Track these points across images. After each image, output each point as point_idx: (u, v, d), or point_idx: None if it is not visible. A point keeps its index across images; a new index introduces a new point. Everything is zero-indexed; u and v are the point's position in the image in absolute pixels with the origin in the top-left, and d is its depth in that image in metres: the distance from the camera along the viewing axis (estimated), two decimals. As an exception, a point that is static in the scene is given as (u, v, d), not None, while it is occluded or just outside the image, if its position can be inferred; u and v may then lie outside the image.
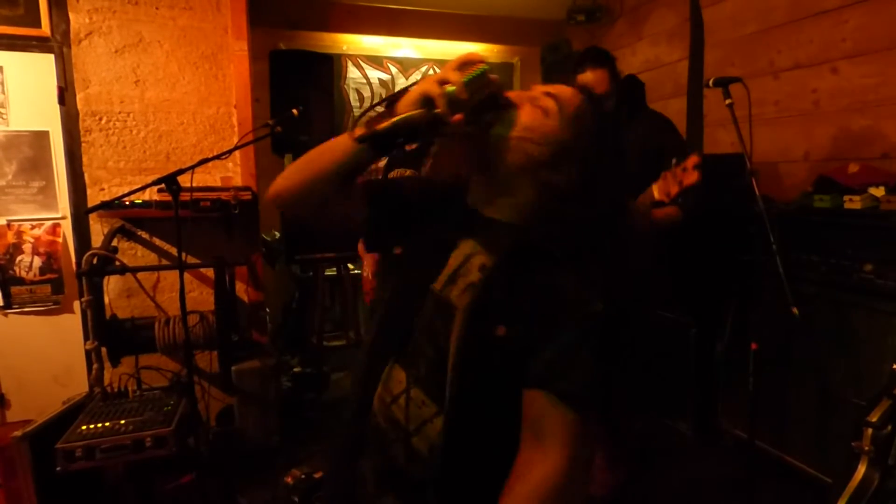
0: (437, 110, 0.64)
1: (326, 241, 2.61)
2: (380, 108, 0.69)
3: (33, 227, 2.29)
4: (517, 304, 0.66)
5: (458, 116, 0.64)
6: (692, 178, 1.37)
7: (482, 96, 0.66)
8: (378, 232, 0.80)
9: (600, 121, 0.72)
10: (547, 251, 0.68)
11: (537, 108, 0.69)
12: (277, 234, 2.92)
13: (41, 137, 2.27)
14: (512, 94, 0.70)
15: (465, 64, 0.66)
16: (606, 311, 0.65)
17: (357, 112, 3.44)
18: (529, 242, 0.69)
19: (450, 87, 0.64)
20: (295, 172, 0.73)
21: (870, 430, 1.27)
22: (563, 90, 0.71)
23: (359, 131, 0.67)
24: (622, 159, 0.78)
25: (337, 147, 0.70)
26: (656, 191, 1.45)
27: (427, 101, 0.65)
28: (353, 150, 0.68)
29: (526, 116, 0.68)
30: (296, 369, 2.87)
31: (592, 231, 0.71)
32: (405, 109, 0.65)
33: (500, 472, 0.65)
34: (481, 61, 0.66)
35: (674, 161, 1.42)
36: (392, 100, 0.68)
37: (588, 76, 1.74)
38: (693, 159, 1.36)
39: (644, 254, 1.73)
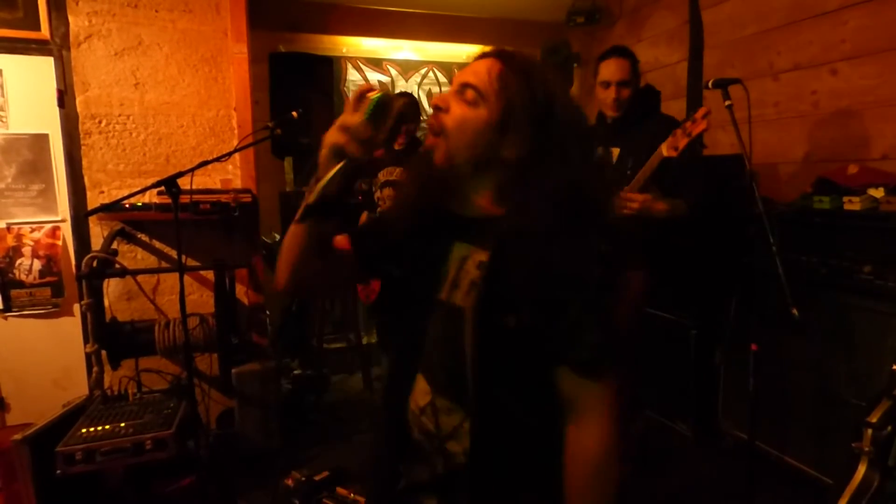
0: (352, 156, 0.67)
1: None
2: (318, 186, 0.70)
3: (33, 230, 2.29)
4: (518, 291, 0.66)
5: (378, 152, 0.66)
6: (700, 126, 1.39)
7: (392, 121, 0.67)
8: (373, 264, 0.82)
9: (528, 78, 0.68)
10: (532, 231, 0.66)
11: (462, 101, 0.69)
12: (277, 237, 2.92)
13: (41, 140, 2.26)
14: (436, 100, 0.71)
15: (357, 101, 0.68)
16: (603, 270, 0.66)
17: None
18: (513, 228, 0.67)
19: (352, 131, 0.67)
20: (280, 267, 0.76)
21: (870, 431, 1.27)
22: (477, 70, 0.70)
23: (299, 213, 0.70)
24: (575, 110, 0.72)
25: (295, 233, 0.72)
26: (665, 147, 1.48)
27: (338, 152, 0.67)
28: (307, 228, 0.71)
29: (456, 114, 0.69)
30: (296, 372, 2.86)
31: (573, 192, 0.67)
32: (324, 171, 0.68)
33: (532, 458, 0.69)
34: (371, 90, 0.68)
35: (682, 119, 1.45)
36: (314, 171, 0.71)
37: (610, 64, 1.82)
38: (702, 110, 1.38)
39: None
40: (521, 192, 0.68)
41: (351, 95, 0.70)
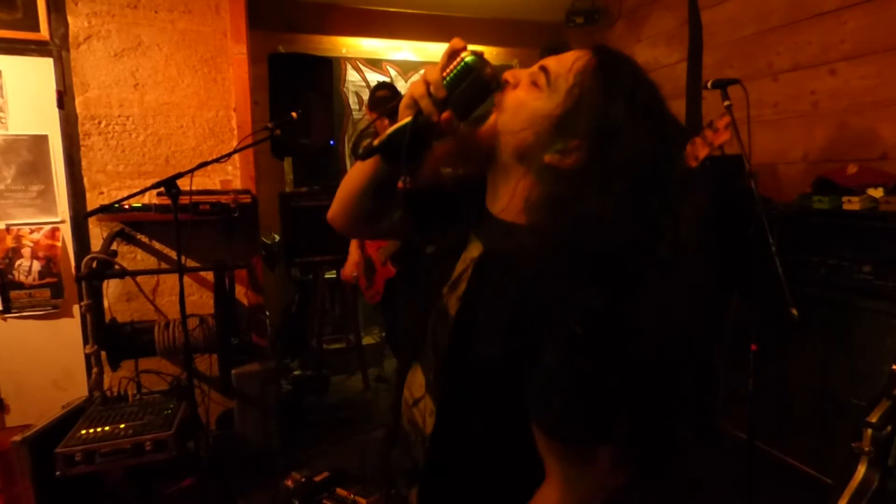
0: (424, 112, 0.60)
1: (326, 245, 2.60)
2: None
3: (32, 232, 2.29)
4: (494, 320, 0.57)
5: (445, 115, 0.59)
6: (723, 137, 1.34)
7: (471, 89, 0.60)
8: (421, 222, 0.76)
9: (613, 84, 0.57)
10: (529, 256, 0.56)
11: (532, 83, 0.61)
12: (277, 238, 2.92)
13: (40, 141, 2.26)
14: (509, 74, 0.63)
15: (450, 56, 0.61)
16: (595, 331, 0.52)
17: (356, 116, 3.44)
18: (512, 246, 0.59)
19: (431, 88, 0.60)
20: (337, 198, 0.77)
21: (869, 431, 1.27)
22: (564, 58, 0.60)
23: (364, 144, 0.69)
24: (668, 138, 0.58)
25: (361, 167, 0.71)
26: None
27: (413, 104, 0.61)
28: (370, 166, 0.69)
29: (519, 94, 0.61)
30: (296, 372, 2.86)
31: (612, 230, 0.54)
32: (401, 116, 0.62)
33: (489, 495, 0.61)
34: (464, 49, 0.61)
35: (705, 124, 1.40)
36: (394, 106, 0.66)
37: None
38: (725, 119, 1.34)
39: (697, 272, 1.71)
40: (559, 206, 0.57)
41: (446, 50, 0.62)
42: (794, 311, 1.38)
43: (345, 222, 0.79)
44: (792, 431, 1.89)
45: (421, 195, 0.71)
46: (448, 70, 0.61)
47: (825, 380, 1.76)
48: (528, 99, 0.60)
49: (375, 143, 0.64)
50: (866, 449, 1.27)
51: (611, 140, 0.56)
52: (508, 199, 0.62)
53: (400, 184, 0.66)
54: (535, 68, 0.62)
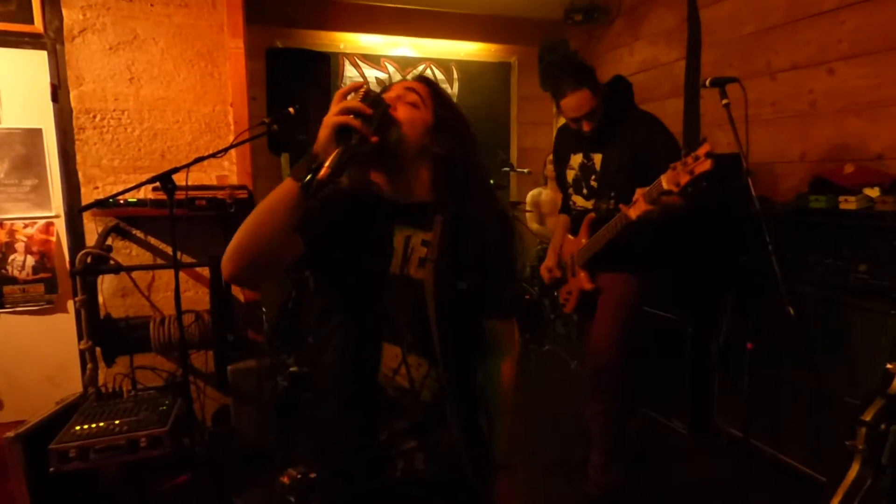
0: (358, 134, 0.73)
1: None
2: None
3: (26, 226, 2.27)
4: (466, 261, 0.86)
5: (374, 137, 0.76)
6: (704, 166, 1.35)
7: (379, 110, 0.78)
8: (317, 248, 0.84)
9: (445, 100, 0.91)
10: (474, 214, 0.87)
11: (407, 104, 0.86)
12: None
13: (34, 135, 2.24)
14: (388, 99, 0.85)
15: (347, 93, 0.78)
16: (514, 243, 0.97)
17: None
18: (452, 211, 0.86)
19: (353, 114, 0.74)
20: (247, 241, 0.75)
21: (863, 429, 1.28)
22: (413, 86, 0.88)
23: (293, 184, 0.74)
24: (471, 130, 0.94)
25: (286, 202, 0.74)
26: (665, 181, 1.45)
27: (342, 133, 0.74)
28: (297, 204, 0.74)
29: (404, 114, 0.84)
30: (292, 369, 2.85)
31: (486, 190, 0.94)
32: (325, 152, 0.73)
33: (478, 388, 0.94)
34: (361, 86, 0.79)
35: (684, 151, 1.41)
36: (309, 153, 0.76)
37: (570, 101, 1.73)
38: (704, 147, 1.34)
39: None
40: (455, 182, 0.87)
41: (339, 92, 0.79)
42: (791, 310, 1.39)
43: (257, 267, 0.78)
44: (787, 429, 1.90)
45: (310, 220, 0.81)
46: (356, 97, 0.77)
47: (820, 378, 1.77)
48: (415, 115, 0.86)
49: (321, 176, 0.72)
50: (860, 447, 1.28)
51: (459, 131, 0.90)
52: (416, 187, 0.88)
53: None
54: (405, 94, 0.87)
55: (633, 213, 1.56)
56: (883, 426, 1.26)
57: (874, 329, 1.61)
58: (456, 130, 0.89)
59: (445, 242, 0.85)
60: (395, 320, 0.85)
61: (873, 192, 1.73)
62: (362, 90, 0.78)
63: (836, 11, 2.03)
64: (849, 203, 1.75)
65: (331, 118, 0.75)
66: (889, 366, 1.32)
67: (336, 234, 0.85)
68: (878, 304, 1.61)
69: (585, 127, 1.77)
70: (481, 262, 0.87)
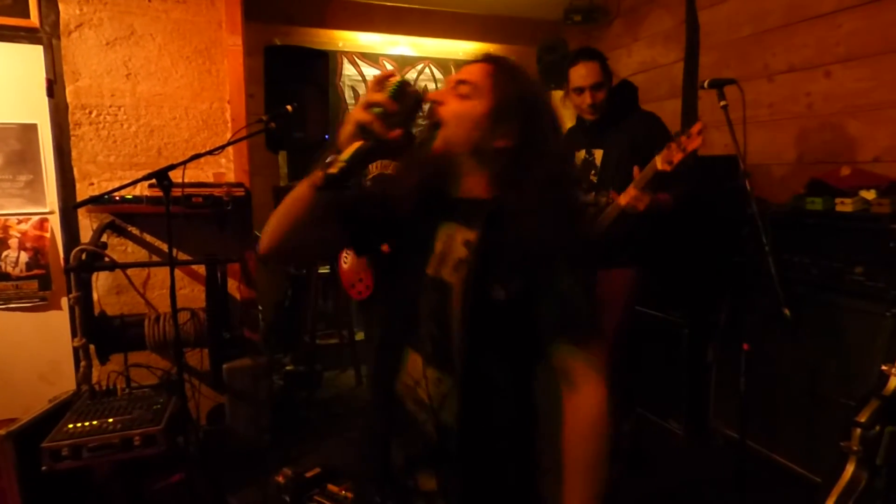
0: (376, 133, 0.69)
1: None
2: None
3: (20, 222, 2.25)
4: (509, 264, 0.73)
5: (395, 132, 0.70)
6: (695, 143, 1.39)
7: (410, 104, 0.73)
8: (361, 238, 0.85)
9: (515, 78, 0.78)
10: (522, 210, 0.73)
11: (457, 96, 0.77)
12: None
13: (29, 130, 2.23)
14: (433, 95, 0.78)
15: (379, 83, 0.73)
16: (586, 249, 0.80)
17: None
18: (502, 208, 0.75)
19: (376, 109, 0.70)
20: (271, 231, 0.76)
21: (858, 431, 1.28)
22: (470, 70, 0.79)
23: (315, 177, 0.71)
24: (553, 110, 0.81)
25: (302, 198, 0.73)
26: (659, 161, 1.49)
27: (362, 129, 0.70)
28: (317, 197, 0.72)
29: (453, 107, 0.76)
30: (288, 367, 2.84)
31: (556, 179, 0.78)
32: (346, 146, 0.70)
33: (514, 423, 0.76)
34: (393, 75, 0.74)
35: (676, 131, 1.45)
36: (331, 144, 0.73)
37: (580, 69, 1.80)
38: (697, 126, 1.38)
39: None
40: (515, 177, 0.75)
41: (372, 80, 0.74)
42: (787, 311, 1.39)
43: (283, 253, 0.80)
44: (782, 430, 1.90)
45: (362, 215, 0.81)
46: (384, 93, 0.72)
47: (816, 379, 1.77)
48: (464, 109, 0.76)
49: (333, 171, 0.69)
50: (855, 448, 1.28)
51: (532, 115, 0.77)
52: (471, 183, 0.79)
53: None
54: (451, 84, 0.79)
55: (623, 199, 1.59)
56: (878, 427, 1.27)
57: (869, 330, 1.61)
58: (524, 115, 0.76)
59: (486, 244, 0.74)
60: (420, 326, 0.77)
61: (869, 195, 1.74)
62: (393, 80, 0.72)
63: (833, 14, 2.04)
64: (845, 205, 1.75)
65: (356, 113, 0.70)
66: (884, 367, 1.33)
67: (387, 226, 0.80)
68: (873, 305, 1.61)
69: (588, 99, 1.80)
70: (532, 270, 0.72)
